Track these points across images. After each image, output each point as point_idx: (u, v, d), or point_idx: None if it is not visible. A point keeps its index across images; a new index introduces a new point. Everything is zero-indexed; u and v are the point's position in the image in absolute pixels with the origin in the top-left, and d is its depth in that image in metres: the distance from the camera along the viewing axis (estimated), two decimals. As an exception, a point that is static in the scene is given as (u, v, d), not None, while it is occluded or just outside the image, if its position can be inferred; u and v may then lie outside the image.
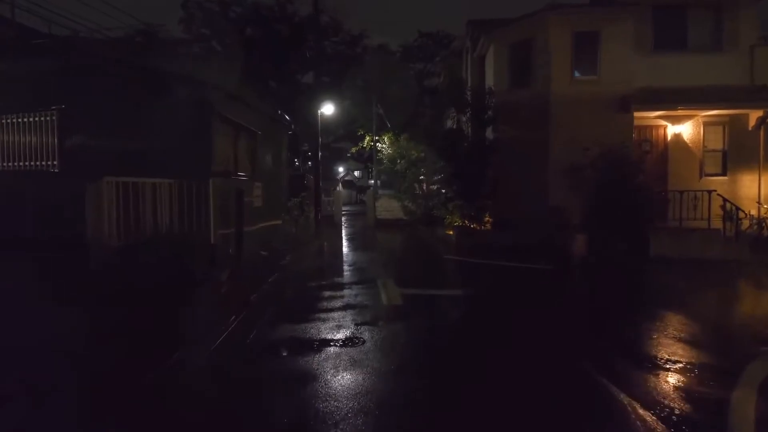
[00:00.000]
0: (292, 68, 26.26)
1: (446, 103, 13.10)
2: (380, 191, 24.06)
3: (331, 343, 4.76)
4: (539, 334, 5.19)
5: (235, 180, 6.69)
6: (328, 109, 16.15)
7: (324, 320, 5.60)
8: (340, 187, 52.93)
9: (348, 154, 58.57)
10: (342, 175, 54.86)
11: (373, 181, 53.51)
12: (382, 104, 21.66)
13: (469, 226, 11.92)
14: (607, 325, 5.64)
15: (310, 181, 16.04)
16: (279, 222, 10.14)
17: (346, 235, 16.31)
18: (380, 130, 21.46)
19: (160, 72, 5.32)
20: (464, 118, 11.94)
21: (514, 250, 10.42)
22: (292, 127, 14.34)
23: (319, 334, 5.07)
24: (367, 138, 22.03)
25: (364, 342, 4.83)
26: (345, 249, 12.52)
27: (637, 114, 10.72)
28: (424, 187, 19.02)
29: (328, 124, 27.15)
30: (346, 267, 9.52)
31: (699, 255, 9.17)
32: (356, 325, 5.42)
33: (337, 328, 5.28)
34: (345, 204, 49.81)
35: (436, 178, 17.27)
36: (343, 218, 25.04)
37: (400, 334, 5.15)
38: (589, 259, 9.61)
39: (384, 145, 21.14)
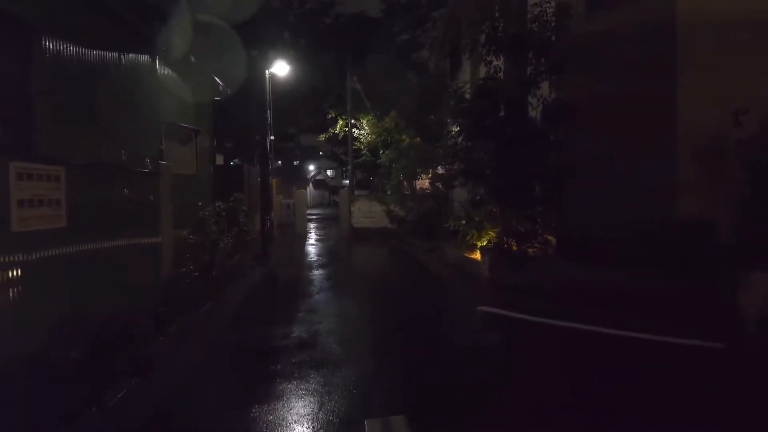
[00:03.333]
0: (247, 43, 20.94)
1: (464, 43, 8.16)
2: (356, 192, 19.03)
3: None
4: None
5: None
6: (281, 68, 10.97)
7: None
8: (311, 188, 47.54)
9: (321, 153, 53.22)
10: (313, 174, 49.48)
11: (348, 181, 48.75)
12: (359, 80, 16.59)
13: (511, 247, 7.00)
14: None
15: (255, 175, 10.87)
16: (155, 240, 4.93)
17: (307, 257, 11.14)
18: (357, 112, 16.43)
19: None
20: (500, 67, 6.99)
21: (615, 298, 5.57)
22: (221, 89, 9.14)
23: None
24: (340, 122, 16.93)
25: None
26: (297, 292, 7.38)
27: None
28: (416, 185, 14.07)
29: (293, 110, 21.95)
30: (286, 362, 4.38)
31: None
32: None
33: None
34: (316, 206, 44.36)
35: (443, 170, 12.38)
36: (310, 225, 19.82)
37: None
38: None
39: (363, 131, 16.11)
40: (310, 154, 53.60)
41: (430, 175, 13.19)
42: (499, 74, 6.90)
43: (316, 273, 8.78)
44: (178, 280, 5.67)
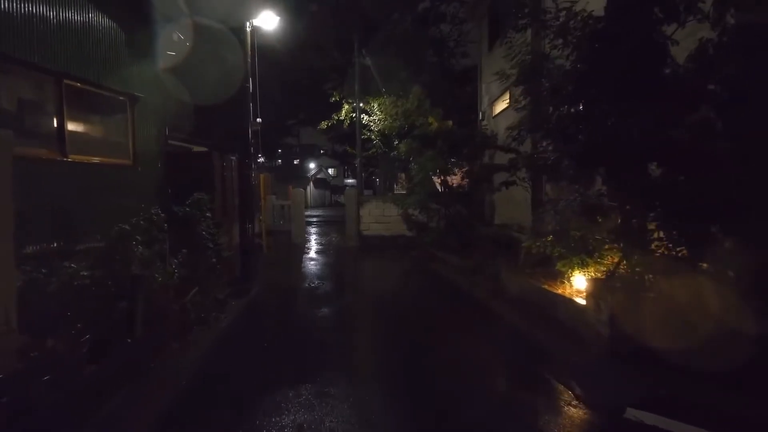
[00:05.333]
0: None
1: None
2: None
3: None
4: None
5: None
6: (267, 20, 7.95)
7: None
8: (311, 187, 44.40)
9: (322, 151, 50.09)
10: (314, 172, 46.49)
11: (353, 181, 45.77)
12: (368, 54, 13.58)
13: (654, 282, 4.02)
14: None
15: (230, 166, 7.90)
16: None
17: (304, 281, 8.11)
18: (366, 94, 13.44)
19: None
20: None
21: None
22: (175, 39, 6.21)
23: None
24: (346, 107, 13.95)
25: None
26: (285, 366, 4.40)
27: None
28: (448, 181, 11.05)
29: (290, 91, 19.04)
30: None
31: None
32: None
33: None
34: (317, 206, 41.26)
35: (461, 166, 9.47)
36: (310, 230, 16.85)
37: None
38: None
39: (374, 116, 13.14)
40: (311, 152, 50.78)
41: (464, 169, 10.23)
42: None
43: (318, 316, 5.80)
44: (23, 380, 2.68)
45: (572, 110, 4.24)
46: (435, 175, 10.15)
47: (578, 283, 5.16)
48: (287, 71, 17.08)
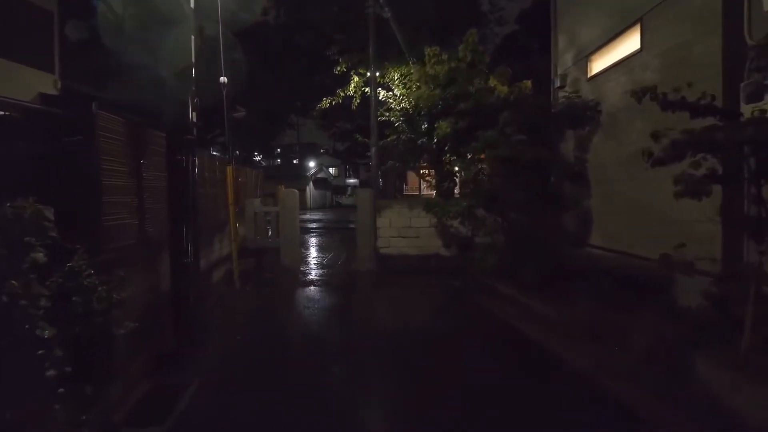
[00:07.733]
0: None
1: None
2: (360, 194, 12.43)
3: None
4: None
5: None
6: None
7: None
8: (311, 187, 40.71)
9: (322, 149, 46.49)
10: (314, 171, 42.92)
11: (355, 180, 41.98)
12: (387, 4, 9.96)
13: None
14: None
15: (149, 148, 4.36)
16: None
17: (290, 364, 4.44)
18: (384, 59, 9.83)
19: None
20: None
21: None
22: None
23: None
24: (355, 79, 10.34)
25: None
26: None
27: None
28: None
29: (285, 77, 15.52)
30: None
31: None
32: None
33: None
34: (317, 208, 37.57)
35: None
36: (308, 241, 13.27)
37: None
38: None
39: (395, 92, 9.56)
40: (311, 151, 47.37)
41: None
42: None
43: None
44: None
45: None
46: (500, 166, 6.58)
47: None
48: (279, 42, 13.51)
